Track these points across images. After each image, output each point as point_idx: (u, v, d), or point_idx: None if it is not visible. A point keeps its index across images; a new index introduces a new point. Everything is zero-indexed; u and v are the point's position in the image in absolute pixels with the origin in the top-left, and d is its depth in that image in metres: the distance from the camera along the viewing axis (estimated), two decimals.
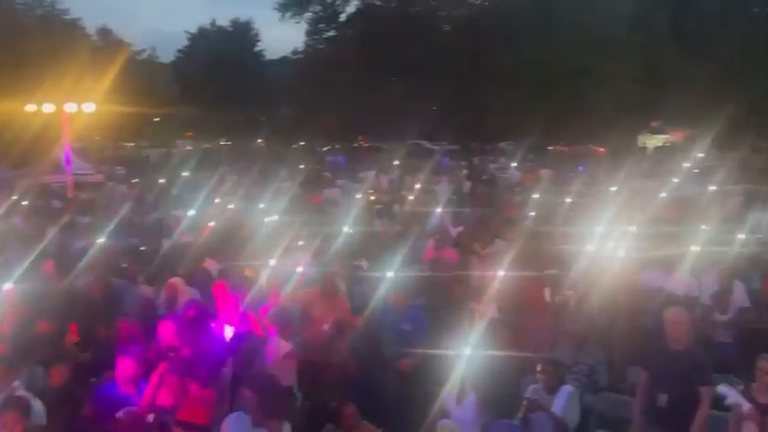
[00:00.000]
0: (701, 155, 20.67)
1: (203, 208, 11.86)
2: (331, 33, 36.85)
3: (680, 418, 5.14)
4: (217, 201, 12.56)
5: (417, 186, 15.51)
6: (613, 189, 13.74)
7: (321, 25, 36.69)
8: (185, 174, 17.90)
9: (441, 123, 31.98)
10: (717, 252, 8.31)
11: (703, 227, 9.28)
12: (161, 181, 16.60)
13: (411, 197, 14.53)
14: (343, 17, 36.67)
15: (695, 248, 7.93)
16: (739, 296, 7.29)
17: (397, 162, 20.86)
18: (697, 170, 17.36)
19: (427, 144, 33.79)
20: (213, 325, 6.68)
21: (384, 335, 6.47)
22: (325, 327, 6.63)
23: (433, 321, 7.08)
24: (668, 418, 5.20)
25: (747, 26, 27.87)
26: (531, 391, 5.46)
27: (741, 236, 9.05)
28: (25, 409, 4.73)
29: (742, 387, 5.16)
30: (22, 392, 5.04)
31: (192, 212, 10.99)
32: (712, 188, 13.17)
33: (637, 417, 5.45)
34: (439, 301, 7.68)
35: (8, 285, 6.48)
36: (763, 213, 11.74)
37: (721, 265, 7.84)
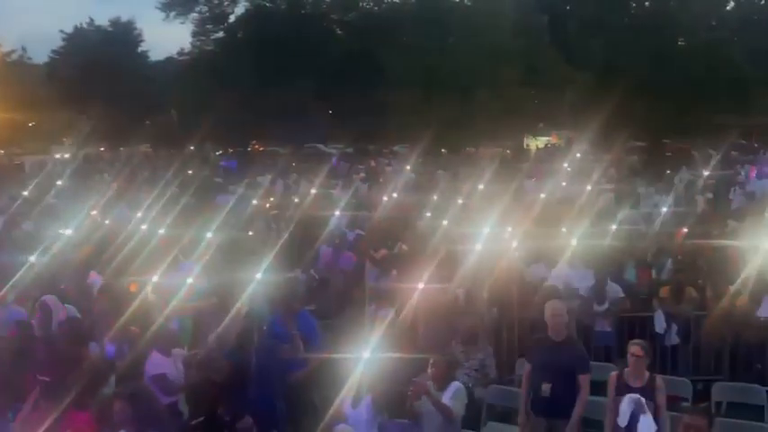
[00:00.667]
0: (579, 155, 22.01)
1: (82, 219, 11.14)
2: (219, 35, 35.90)
3: (562, 406, 5.44)
4: (94, 212, 11.84)
5: (313, 191, 15.41)
6: (496, 190, 14.30)
7: (208, 26, 35.67)
8: (60, 182, 16.74)
9: (336, 126, 32.05)
10: (593, 246, 8.86)
11: (580, 223, 9.85)
12: (33, 191, 15.40)
13: (307, 201, 14.41)
14: (231, 18, 35.87)
15: (573, 243, 8.41)
16: (612, 287, 7.81)
17: (294, 166, 20.66)
18: (572, 170, 18.43)
19: (324, 147, 33.72)
20: (93, 343, 6.31)
21: (277, 343, 6.35)
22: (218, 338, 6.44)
23: (330, 326, 7.07)
24: (551, 406, 5.48)
25: (620, 32, 29.89)
26: None
27: (614, 230, 9.72)
28: None
29: (616, 372, 5.54)
30: None
31: (68, 224, 10.29)
32: (588, 187, 14.02)
33: (522, 407, 5.70)
34: (336, 306, 7.69)
35: None
36: (634, 209, 12.70)
37: (596, 259, 8.37)
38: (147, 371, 5.87)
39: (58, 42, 40.33)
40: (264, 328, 6.74)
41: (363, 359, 5.27)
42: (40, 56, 40.73)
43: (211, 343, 6.53)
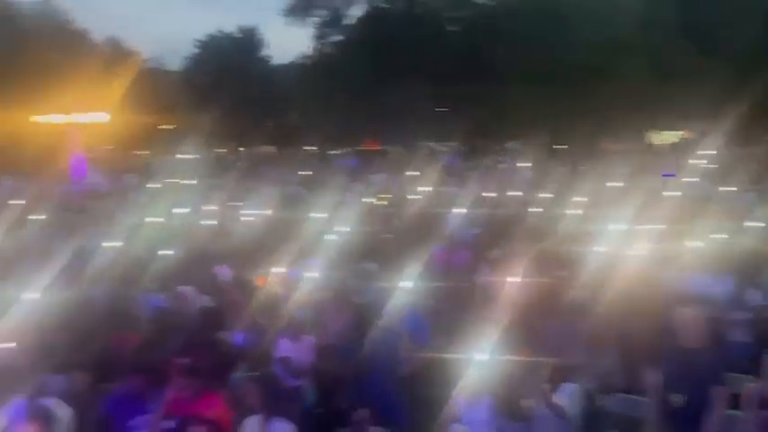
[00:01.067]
0: (716, 151, 20.45)
1: (212, 214, 11.93)
2: (338, 37, 37.03)
3: (694, 419, 5.11)
4: (214, 207, 12.63)
5: (427, 188, 15.47)
6: (624, 187, 13.65)
7: (327, 29, 36.91)
8: (192, 180, 17.97)
9: (449, 124, 32.03)
10: (731, 249, 8.23)
11: (717, 224, 9.20)
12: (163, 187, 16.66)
13: (421, 199, 14.50)
14: (349, 20, 36.87)
15: (710, 246, 7.87)
16: (753, 294, 7.22)
17: (408, 164, 20.88)
18: (709, 167, 17.20)
19: (435, 145, 33.80)
20: (225, 331, 6.74)
21: (389, 339, 6.46)
22: (336, 331, 6.66)
23: (444, 325, 7.08)
24: (682, 418, 5.17)
25: (758, 22, 27.61)
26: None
27: (755, 232, 8.97)
28: (49, 417, 4.78)
29: (755, 384, 5.12)
30: (45, 400, 5.09)
31: (203, 219, 11.05)
32: (726, 186, 13.03)
33: (651, 418, 5.41)
34: (450, 305, 7.68)
35: (28, 295, 6.54)
36: None
37: (735, 263, 7.76)
38: (274, 354, 6.20)
39: (190, 49, 43.46)
40: (379, 321, 6.86)
41: (479, 360, 5.24)
42: (174, 63, 44.12)
43: (326, 334, 6.78)
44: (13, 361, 5.63)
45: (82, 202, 15.57)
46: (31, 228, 11.89)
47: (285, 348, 6.37)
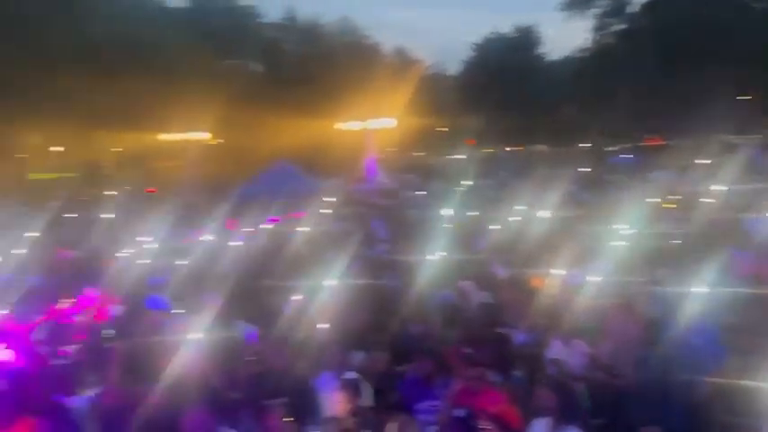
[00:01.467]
0: None
1: (490, 214, 12.23)
2: (621, 26, 35.01)
3: None
4: (504, 206, 12.83)
5: (724, 188, 13.70)
6: None
7: (608, 19, 35.12)
8: (467, 180, 18.58)
9: (752, 114, 27.89)
10: None
11: None
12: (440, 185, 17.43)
13: (716, 200, 12.94)
14: (632, 7, 34.58)
15: None
16: None
17: (698, 160, 18.74)
18: None
19: (733, 138, 29.73)
20: (504, 327, 6.86)
21: (682, 356, 5.89)
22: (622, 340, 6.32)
23: (750, 344, 6.22)
24: None
25: None
26: None
27: None
28: (355, 390, 5.45)
29: None
30: (352, 375, 5.80)
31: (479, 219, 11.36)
32: None
33: None
34: (758, 321, 6.73)
35: (330, 281, 7.46)
36: None
37: None
38: (547, 355, 6.14)
39: (468, 53, 45.18)
40: (670, 335, 6.32)
41: None
42: (453, 67, 46.30)
43: (610, 342, 6.46)
44: (326, 339, 6.51)
45: (375, 199, 17.25)
46: (334, 221, 13.52)
47: (557, 351, 6.26)
